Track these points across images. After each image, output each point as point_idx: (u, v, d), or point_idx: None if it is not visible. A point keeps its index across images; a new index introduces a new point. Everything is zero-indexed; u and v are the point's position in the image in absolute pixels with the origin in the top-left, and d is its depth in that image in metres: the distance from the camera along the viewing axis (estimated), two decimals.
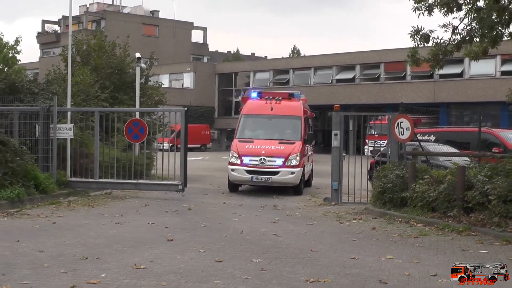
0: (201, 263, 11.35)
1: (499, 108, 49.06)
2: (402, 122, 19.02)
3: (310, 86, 63.51)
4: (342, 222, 17.07)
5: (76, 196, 21.44)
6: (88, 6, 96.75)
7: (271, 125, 25.97)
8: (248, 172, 24.07)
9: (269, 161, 23.99)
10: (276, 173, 23.92)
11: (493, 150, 21.75)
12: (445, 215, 16.09)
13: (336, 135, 21.24)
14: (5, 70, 28.05)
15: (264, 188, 24.65)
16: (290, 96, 26.93)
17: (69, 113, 23.27)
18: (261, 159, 23.97)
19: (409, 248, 13.27)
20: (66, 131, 22.28)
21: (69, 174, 22.52)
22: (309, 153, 27.59)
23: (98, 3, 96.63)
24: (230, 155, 24.89)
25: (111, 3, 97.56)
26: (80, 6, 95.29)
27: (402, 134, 19.04)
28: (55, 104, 22.06)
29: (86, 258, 11.51)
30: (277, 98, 26.26)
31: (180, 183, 22.30)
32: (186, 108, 24.05)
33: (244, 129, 26.12)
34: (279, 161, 24.01)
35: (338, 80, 65.13)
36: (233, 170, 24.41)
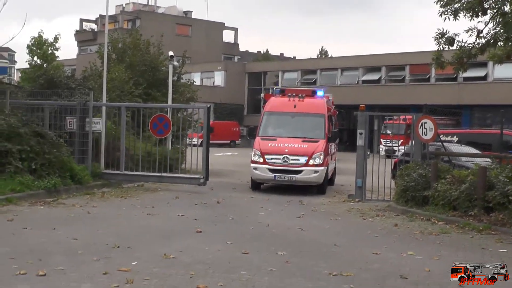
0: (228, 255, 11.39)
1: None
2: (426, 123, 18.91)
3: (337, 86, 63.32)
4: (365, 219, 17.04)
5: (109, 188, 21.60)
6: (124, 6, 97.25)
7: (294, 123, 24.68)
8: (271, 170, 23.03)
9: (292, 159, 22.94)
10: (299, 172, 22.86)
11: None
12: (465, 214, 15.99)
13: (361, 134, 21.21)
14: (44, 66, 28.32)
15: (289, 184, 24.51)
16: (314, 94, 25.70)
17: (103, 107, 23.39)
18: (284, 157, 22.97)
19: (430, 245, 13.20)
20: (94, 124, 22.47)
21: (103, 166, 22.66)
22: (333, 151, 26.45)
23: (133, 3, 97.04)
24: (253, 153, 23.86)
25: (146, 3, 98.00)
26: (116, 6, 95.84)
27: (426, 135, 18.92)
28: (91, 99, 22.24)
29: (118, 247, 11.59)
30: (300, 95, 25.17)
31: (202, 177, 22.35)
32: (209, 106, 24.02)
33: (267, 126, 24.99)
34: (303, 160, 22.94)
35: (364, 81, 65.05)
36: (255, 168, 23.46)
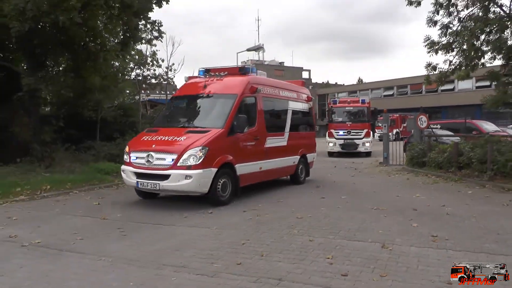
0: (312, 199, 11.31)
1: (475, 109, 46.43)
2: (422, 117, 18.58)
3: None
4: (390, 176, 16.60)
5: None
6: (246, 61, 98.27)
7: (195, 109, 11.34)
8: (135, 174, 10.01)
9: (157, 158, 9.71)
10: (165, 177, 9.53)
11: (473, 133, 20.70)
12: (447, 171, 15.43)
13: (385, 126, 20.88)
14: None
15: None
16: (241, 71, 12.05)
17: None
18: (148, 156, 9.81)
19: (429, 190, 12.79)
20: None
21: None
22: (270, 144, 12.24)
23: (250, 59, 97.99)
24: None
25: (258, 59, 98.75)
26: (241, 62, 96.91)
27: (422, 125, 18.61)
28: None
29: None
30: (221, 73, 11.94)
31: None
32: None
33: (164, 115, 12.04)
34: (169, 160, 9.57)
35: (384, 96, 63.36)
36: (123, 170, 10.43)
